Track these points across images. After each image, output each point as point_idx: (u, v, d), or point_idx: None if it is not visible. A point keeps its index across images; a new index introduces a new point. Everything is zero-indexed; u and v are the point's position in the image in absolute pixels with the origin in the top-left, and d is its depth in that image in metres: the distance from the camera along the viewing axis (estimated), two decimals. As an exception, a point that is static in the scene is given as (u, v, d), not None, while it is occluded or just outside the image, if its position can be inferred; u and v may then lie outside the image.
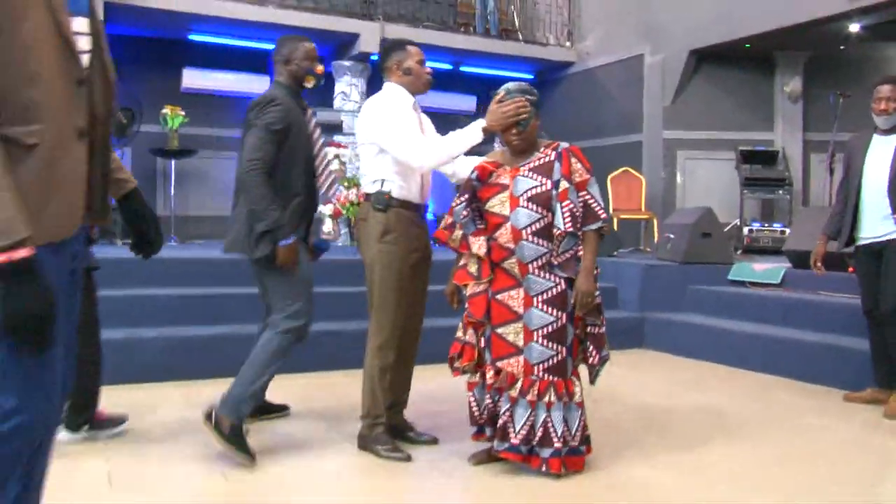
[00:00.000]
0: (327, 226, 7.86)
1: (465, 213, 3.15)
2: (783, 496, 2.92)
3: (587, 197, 3.07)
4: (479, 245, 3.12)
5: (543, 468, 3.01)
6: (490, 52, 10.13)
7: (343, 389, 4.48)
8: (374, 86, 9.53)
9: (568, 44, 10.76)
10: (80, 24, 1.74)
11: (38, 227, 1.58)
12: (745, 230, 8.24)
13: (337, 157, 7.68)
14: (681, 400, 4.52)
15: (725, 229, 7.66)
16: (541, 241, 3.03)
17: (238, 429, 3.17)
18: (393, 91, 3.38)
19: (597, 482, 3.03)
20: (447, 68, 10.65)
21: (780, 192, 8.51)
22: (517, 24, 10.86)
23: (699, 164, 9.15)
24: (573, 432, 3.05)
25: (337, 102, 9.39)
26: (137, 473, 3.06)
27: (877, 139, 4.33)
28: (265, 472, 3.11)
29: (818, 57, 8.90)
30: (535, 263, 3.04)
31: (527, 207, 3.03)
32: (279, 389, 3.83)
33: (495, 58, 10.33)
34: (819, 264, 4.60)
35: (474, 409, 3.19)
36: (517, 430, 3.02)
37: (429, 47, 9.65)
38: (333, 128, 8.04)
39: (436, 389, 4.42)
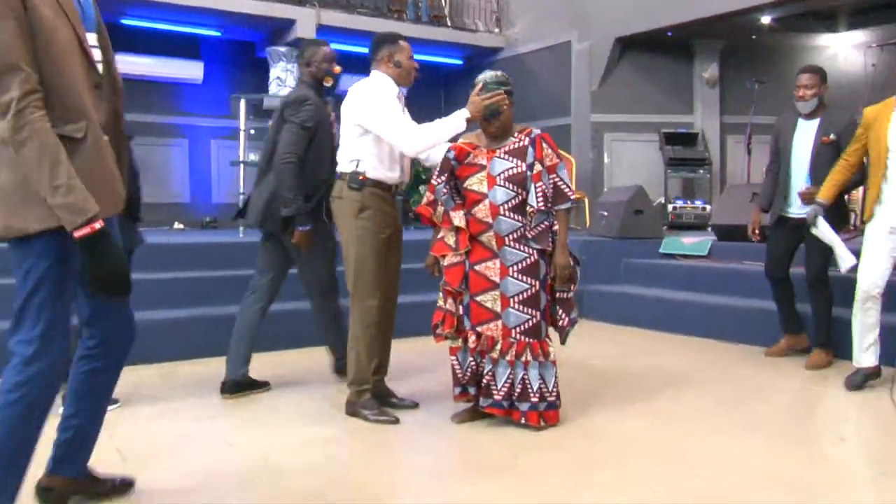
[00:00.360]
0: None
1: (445, 190, 3.44)
2: (735, 430, 3.35)
3: (556, 179, 3.39)
4: (458, 218, 3.42)
5: (523, 420, 3.36)
6: (421, 37, 10.35)
7: (315, 365, 4.72)
8: (310, 71, 9.69)
9: (497, 30, 11.12)
10: (91, 38, 2.17)
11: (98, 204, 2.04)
12: (670, 207, 8.81)
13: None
14: (627, 361, 4.95)
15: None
16: (516, 217, 3.36)
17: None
18: (381, 79, 3.60)
19: (573, 431, 3.39)
20: (379, 54, 10.85)
21: (701, 171, 9.12)
22: (446, 10, 11.14)
23: (625, 146, 9.67)
24: (550, 388, 3.40)
25: (273, 88, 9.44)
26: (146, 448, 3.24)
27: (801, 122, 4.79)
28: (267, 438, 3.35)
29: (733, 45, 9.54)
30: (510, 236, 3.36)
31: (504, 186, 3.34)
32: (258, 367, 4.05)
33: (426, 44, 10.55)
34: (756, 232, 5.07)
35: (458, 370, 3.49)
36: (499, 387, 3.36)
37: (362, 33, 9.87)
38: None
39: (413, 360, 4.72)
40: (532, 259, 3.37)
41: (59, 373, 2.17)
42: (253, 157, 8.36)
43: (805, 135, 4.75)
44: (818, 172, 4.59)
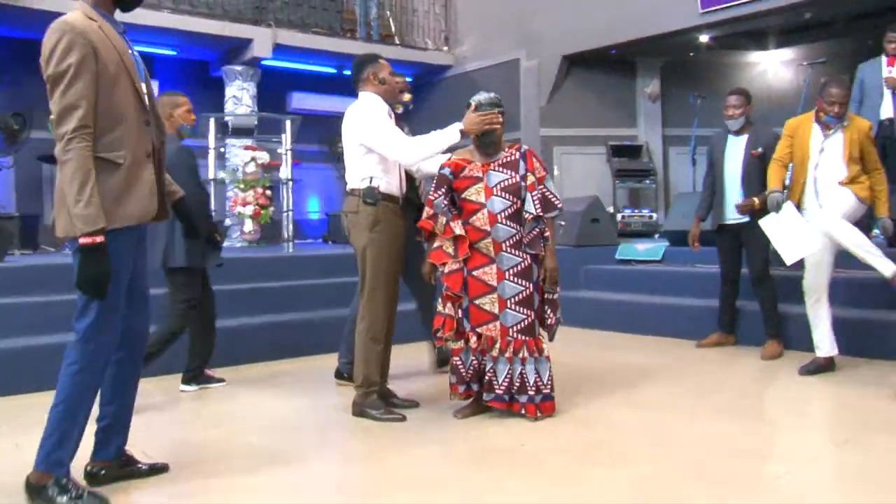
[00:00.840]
0: (248, 226, 8.15)
1: (444, 203, 3.75)
2: (711, 414, 3.73)
3: (544, 190, 3.74)
4: (458, 227, 3.72)
5: (522, 411, 3.68)
6: (372, 56, 10.69)
7: (299, 374, 4.95)
8: (263, 89, 9.89)
9: (445, 48, 11.50)
10: (143, 87, 2.75)
11: (123, 214, 2.62)
12: (619, 216, 9.29)
13: (253, 159, 8.00)
14: (598, 360, 5.32)
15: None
16: (512, 224, 3.68)
17: None
18: (371, 99, 3.87)
19: (568, 420, 3.71)
20: (331, 72, 11.09)
21: (647, 181, 9.66)
22: (393, 29, 11.46)
23: (574, 159, 10.14)
24: (545, 381, 3.72)
25: (229, 106, 9.64)
26: (164, 443, 3.44)
27: (731, 138, 5.37)
28: (283, 439, 3.59)
29: (673, 62, 10.14)
30: (507, 242, 3.68)
31: (501, 196, 3.67)
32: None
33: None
34: (696, 243, 5.56)
35: (461, 369, 3.77)
36: (500, 382, 3.67)
37: (316, 52, 10.18)
38: (247, 131, 8.31)
39: (411, 364, 4.98)
40: (526, 263, 3.70)
41: (109, 351, 2.72)
42: (225, 174, 8.53)
43: (735, 149, 5.30)
44: (749, 182, 5.16)
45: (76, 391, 2.63)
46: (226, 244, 8.25)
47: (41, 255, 7.39)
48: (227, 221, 9.01)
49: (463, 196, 3.73)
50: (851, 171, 4.43)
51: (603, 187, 9.69)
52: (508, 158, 3.74)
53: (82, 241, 2.49)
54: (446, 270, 3.77)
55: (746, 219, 5.17)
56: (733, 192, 5.26)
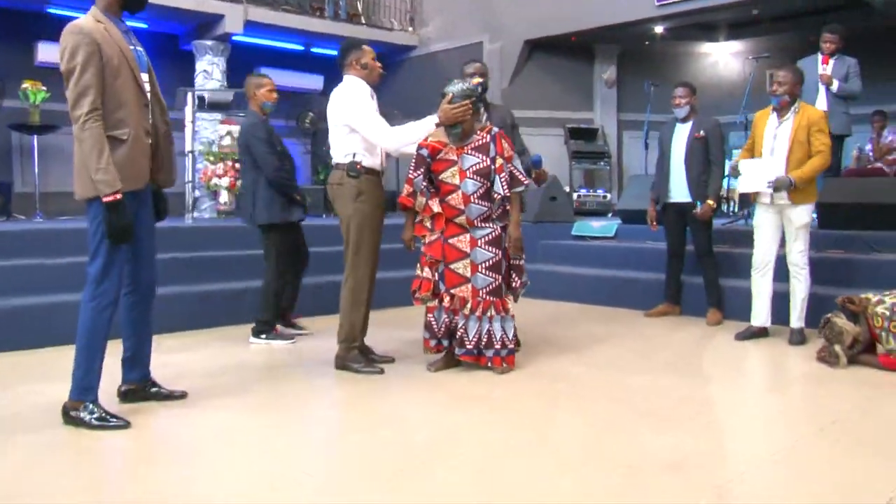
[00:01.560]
0: (224, 197, 8.43)
1: (424, 183, 4.17)
2: (657, 370, 4.25)
3: (512, 168, 4.18)
4: (436, 206, 4.17)
5: (489, 364, 4.16)
6: (338, 34, 10.93)
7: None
8: (234, 65, 10.13)
9: (410, 29, 11.85)
10: (144, 76, 3.33)
11: (126, 181, 3.17)
12: (575, 196, 9.81)
13: (229, 133, 8.27)
14: (554, 327, 5.81)
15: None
16: (483, 202, 4.12)
17: None
18: (355, 83, 4.22)
19: (532, 374, 4.19)
20: (299, 49, 11.37)
21: (601, 163, 10.20)
22: (360, 9, 11.76)
23: (533, 140, 10.49)
24: (510, 337, 4.19)
25: (199, 80, 9.86)
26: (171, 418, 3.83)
27: (678, 126, 5.93)
28: (273, 387, 4.00)
29: (629, 50, 10.67)
30: (479, 218, 4.13)
31: (473, 178, 4.09)
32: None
33: (342, 40, 11.13)
34: (654, 223, 6.09)
35: (434, 325, 4.23)
36: (470, 338, 4.13)
37: (286, 30, 10.45)
38: (222, 106, 8.57)
39: (388, 326, 5.42)
40: (496, 233, 4.15)
41: (117, 290, 3.28)
42: (201, 147, 8.79)
43: (681, 135, 5.86)
44: (692, 162, 5.76)
45: (92, 326, 3.21)
46: (195, 215, 8.57)
47: (14, 222, 7.58)
48: (197, 193, 9.27)
49: (440, 178, 4.15)
50: (796, 153, 4.88)
51: (560, 167, 10.19)
52: (480, 142, 4.14)
53: (106, 199, 3.09)
54: (427, 240, 4.22)
55: (689, 199, 5.72)
56: (678, 173, 5.80)
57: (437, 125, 4.08)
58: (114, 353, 3.46)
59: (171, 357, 4.57)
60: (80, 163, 3.13)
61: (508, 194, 4.13)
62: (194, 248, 6.34)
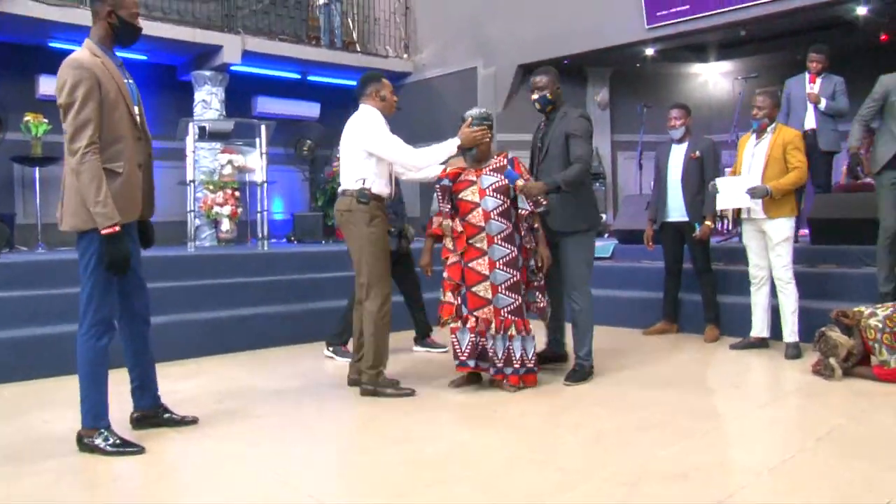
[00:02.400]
0: (225, 225, 8.52)
1: (448, 210, 4.34)
2: (659, 384, 4.34)
3: None
4: (458, 225, 4.32)
5: (504, 381, 4.28)
6: (334, 62, 11.07)
7: (287, 359, 5.44)
8: (232, 94, 10.27)
9: (405, 56, 12.01)
10: (136, 109, 3.41)
11: (122, 213, 3.19)
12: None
13: (230, 161, 8.38)
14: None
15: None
16: (503, 220, 4.26)
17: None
18: (373, 112, 4.33)
19: (536, 391, 4.30)
20: (295, 77, 11.51)
21: (597, 184, 10.30)
22: (355, 37, 11.93)
23: (527, 163, 10.71)
24: (529, 356, 4.31)
25: (198, 110, 9.97)
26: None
27: (674, 146, 6.07)
28: (284, 410, 4.08)
29: (621, 72, 10.83)
30: (498, 236, 4.25)
31: (493, 196, 4.24)
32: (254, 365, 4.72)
33: (339, 68, 11.32)
34: (650, 243, 6.21)
35: (457, 347, 4.34)
36: (499, 357, 4.27)
37: (283, 59, 10.59)
38: (223, 135, 8.67)
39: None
40: (514, 254, 4.27)
41: (110, 321, 3.34)
42: (203, 176, 8.89)
43: (677, 155, 5.99)
44: (688, 182, 5.88)
45: (93, 357, 3.28)
46: (196, 243, 8.66)
47: (17, 253, 7.65)
48: (197, 222, 9.36)
49: (460, 197, 4.31)
50: (771, 168, 5.09)
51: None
52: (498, 164, 4.32)
53: (105, 231, 3.15)
54: (448, 263, 4.37)
55: (686, 218, 5.84)
56: (675, 193, 5.93)
57: (459, 147, 4.24)
58: (125, 381, 3.57)
59: (178, 384, 4.64)
60: (74, 195, 3.19)
61: (535, 210, 4.28)
62: (197, 277, 6.42)
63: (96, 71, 3.19)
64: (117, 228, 3.16)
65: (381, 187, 4.32)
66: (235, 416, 3.89)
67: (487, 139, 4.29)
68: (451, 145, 4.24)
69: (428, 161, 4.28)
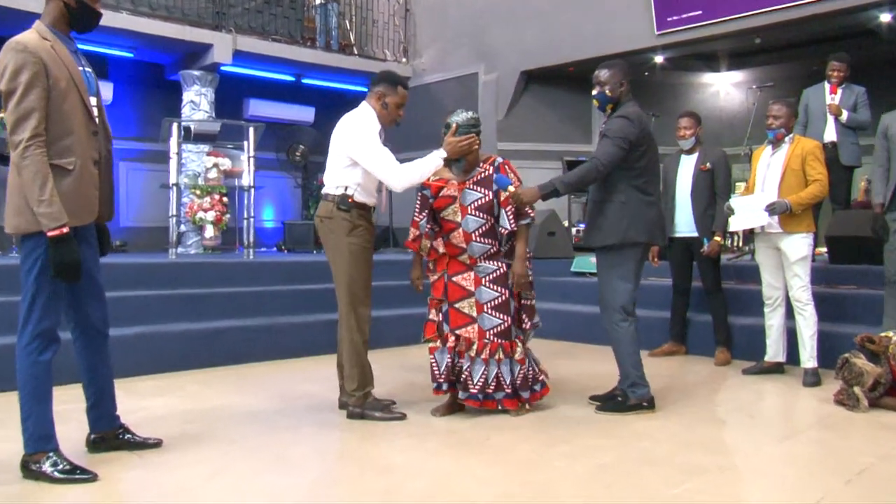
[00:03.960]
0: (209, 231, 8.27)
1: (428, 226, 4.04)
2: (663, 412, 4.07)
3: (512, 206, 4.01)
4: (440, 246, 4.05)
5: (500, 407, 3.98)
6: (330, 65, 10.89)
7: (266, 376, 5.17)
8: (222, 95, 10.05)
9: (404, 60, 11.81)
10: (93, 100, 3.12)
11: (73, 215, 2.94)
12: (573, 231, 9.68)
13: (216, 165, 8.15)
14: (553, 366, 5.61)
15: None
16: (486, 240, 3.96)
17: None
18: (369, 115, 4.01)
19: (531, 418, 4.03)
20: (289, 80, 11.30)
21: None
22: (352, 39, 11.73)
23: (529, 173, 10.44)
24: (516, 381, 3.99)
25: (186, 111, 9.76)
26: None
27: (683, 158, 5.83)
28: (259, 433, 3.81)
29: (628, 81, 10.61)
30: (482, 256, 3.98)
31: (474, 215, 3.94)
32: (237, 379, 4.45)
33: (335, 71, 11.12)
34: (656, 259, 5.95)
35: (435, 369, 4.04)
36: (475, 381, 3.95)
37: (276, 60, 10.39)
38: (209, 137, 8.45)
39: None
40: (501, 271, 3.99)
41: (54, 333, 3.03)
42: (186, 180, 8.65)
43: (687, 167, 5.76)
44: (698, 195, 5.64)
45: (35, 371, 2.99)
46: (180, 251, 8.41)
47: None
48: (182, 228, 9.13)
49: (441, 215, 4.02)
50: (788, 180, 4.86)
51: (558, 201, 10.02)
52: (483, 175, 3.98)
53: (51, 234, 2.87)
54: (432, 281, 4.10)
55: (695, 233, 5.59)
56: (684, 206, 5.69)
57: (445, 159, 3.92)
58: (81, 399, 3.29)
59: (147, 401, 4.40)
60: (17, 193, 2.92)
61: (515, 228, 3.97)
62: (176, 286, 6.18)
63: (43, 55, 2.91)
64: (65, 230, 2.88)
65: (365, 196, 4.03)
66: (203, 440, 3.62)
67: (476, 147, 3.97)
68: (436, 159, 3.91)
69: (412, 180, 3.92)
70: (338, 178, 4.01)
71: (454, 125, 3.95)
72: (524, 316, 4.12)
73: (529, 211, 4.02)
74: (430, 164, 3.91)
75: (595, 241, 4.16)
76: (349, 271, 3.97)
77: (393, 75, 4.14)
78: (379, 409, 4.05)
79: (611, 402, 4.21)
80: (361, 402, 4.03)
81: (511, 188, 3.82)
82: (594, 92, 4.20)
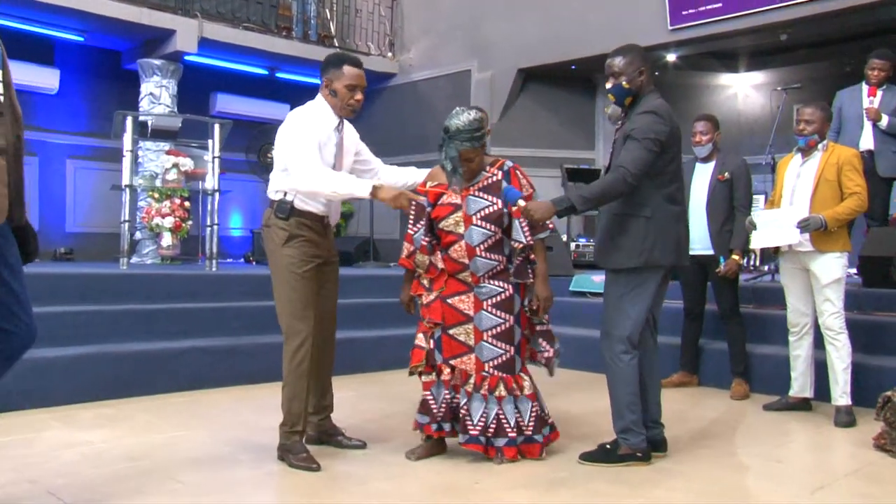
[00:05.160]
0: (167, 240, 8.07)
1: (425, 240, 3.79)
2: (677, 453, 3.90)
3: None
4: (439, 261, 3.80)
5: (500, 455, 3.72)
6: (308, 57, 10.69)
7: (226, 403, 4.97)
8: (186, 89, 9.86)
9: (390, 55, 11.67)
10: None
11: None
12: (573, 246, 9.53)
13: (176, 165, 7.96)
14: (551, 399, 5.38)
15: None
16: (492, 256, 3.73)
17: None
18: (315, 109, 3.80)
19: (528, 460, 3.81)
20: (262, 73, 11.13)
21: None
22: (333, 30, 11.58)
23: (527, 181, 10.37)
24: (527, 422, 3.78)
25: (144, 104, 9.54)
26: (75, 479, 3.43)
27: (698, 166, 5.67)
28: (213, 476, 3.61)
29: (636, 81, 10.52)
30: (486, 274, 3.74)
31: (480, 226, 3.70)
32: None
33: (312, 65, 10.93)
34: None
35: (432, 405, 3.80)
36: (475, 422, 3.72)
37: (247, 50, 10.22)
38: (169, 134, 8.25)
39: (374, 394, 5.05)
40: (507, 294, 3.75)
41: None
42: (142, 181, 8.44)
43: (702, 177, 5.60)
44: (714, 209, 5.48)
45: None
46: (135, 260, 8.20)
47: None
48: (138, 235, 8.91)
49: (440, 226, 3.77)
50: (822, 192, 4.71)
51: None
52: (490, 180, 3.75)
53: None
54: (425, 301, 3.85)
55: (711, 251, 5.43)
56: (699, 221, 5.51)
57: (371, 196, 3.62)
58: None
59: (87, 433, 4.21)
60: None
61: (532, 242, 3.73)
62: (126, 300, 5.96)
63: None
64: None
65: (309, 204, 3.78)
66: (149, 481, 3.42)
67: (412, 213, 3.78)
68: (361, 188, 3.63)
69: (315, 187, 3.64)
70: (276, 181, 3.81)
71: (451, 128, 3.64)
72: (543, 343, 3.91)
73: (549, 224, 3.81)
74: (349, 187, 3.63)
75: (614, 263, 3.79)
76: (283, 289, 3.77)
77: (337, 55, 3.91)
78: (298, 452, 3.73)
79: (597, 451, 3.86)
80: (285, 441, 3.77)
81: (521, 202, 3.52)
82: (608, 85, 3.89)
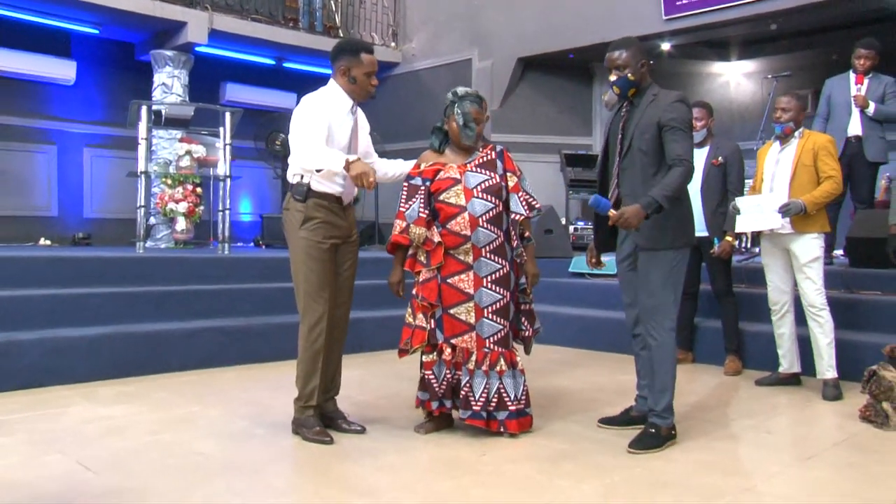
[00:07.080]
0: (181, 224, 8.09)
1: (423, 212, 3.77)
2: (678, 427, 3.93)
3: (523, 192, 3.87)
4: (436, 235, 3.78)
5: (502, 429, 3.77)
6: (314, 47, 10.69)
7: (239, 382, 5.02)
8: (197, 79, 9.85)
9: (393, 44, 11.65)
10: None
11: None
12: (572, 228, 9.55)
13: (189, 152, 7.97)
14: (552, 376, 5.50)
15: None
16: (493, 228, 3.76)
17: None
18: (329, 93, 3.83)
19: (531, 434, 3.87)
20: (270, 63, 11.12)
21: (602, 193, 9.94)
22: (338, 20, 11.56)
23: (525, 167, 10.23)
24: (519, 396, 3.82)
25: (157, 94, 9.55)
26: (102, 453, 3.47)
27: (693, 151, 5.64)
28: (231, 448, 3.65)
29: (631, 69, 10.50)
30: (487, 247, 3.76)
31: (481, 198, 3.74)
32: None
33: (318, 55, 10.93)
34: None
35: (434, 384, 3.82)
36: (477, 397, 3.74)
37: (255, 41, 10.21)
38: (181, 122, 8.26)
39: (374, 374, 5.09)
40: (505, 270, 3.79)
41: None
42: (157, 168, 8.45)
43: (697, 161, 5.52)
44: (708, 192, 5.50)
45: None
46: (150, 244, 8.22)
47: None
48: (153, 220, 8.94)
49: (440, 199, 3.78)
50: (800, 177, 4.76)
51: (556, 198, 9.93)
52: (485, 158, 3.84)
53: None
54: (420, 280, 3.84)
55: (706, 233, 5.46)
56: (694, 204, 5.51)
57: (344, 169, 3.57)
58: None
59: (110, 409, 4.27)
60: None
61: (532, 216, 3.83)
62: (143, 283, 6.00)
63: None
64: None
65: (325, 185, 3.80)
66: (171, 453, 3.47)
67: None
68: (337, 161, 3.58)
69: (311, 163, 3.65)
70: (293, 165, 3.82)
71: (462, 91, 3.89)
72: (524, 321, 3.96)
73: (536, 203, 3.88)
74: (324, 161, 3.61)
75: (663, 244, 3.71)
76: (300, 269, 3.80)
77: (352, 43, 3.94)
78: (312, 426, 3.78)
79: (643, 439, 3.72)
80: (299, 415, 3.84)
81: (612, 211, 3.52)
82: (613, 78, 3.85)
